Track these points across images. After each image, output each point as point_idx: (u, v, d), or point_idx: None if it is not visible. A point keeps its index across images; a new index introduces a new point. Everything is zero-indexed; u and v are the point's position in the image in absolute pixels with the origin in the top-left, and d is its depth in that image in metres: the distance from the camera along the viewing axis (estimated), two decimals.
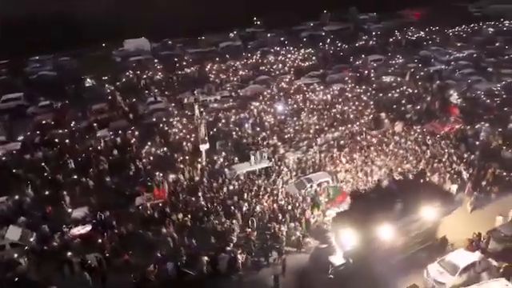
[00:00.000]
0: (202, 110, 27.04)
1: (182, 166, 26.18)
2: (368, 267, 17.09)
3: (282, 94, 36.81)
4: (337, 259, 17.38)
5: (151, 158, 27.45)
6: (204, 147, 26.44)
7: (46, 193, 24.50)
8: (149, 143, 28.68)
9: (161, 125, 31.52)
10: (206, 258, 17.78)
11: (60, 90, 38.46)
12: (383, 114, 31.56)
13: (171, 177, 24.90)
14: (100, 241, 20.27)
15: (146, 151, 28.01)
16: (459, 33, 57.10)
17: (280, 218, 21.45)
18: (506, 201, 22.83)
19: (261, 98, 36.09)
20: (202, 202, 22.64)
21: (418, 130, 29.86)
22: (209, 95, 36.54)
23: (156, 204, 22.82)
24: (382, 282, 17.05)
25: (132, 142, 29.21)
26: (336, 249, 17.88)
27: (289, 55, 47.67)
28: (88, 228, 21.33)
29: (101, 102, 35.98)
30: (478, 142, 28.07)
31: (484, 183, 24.10)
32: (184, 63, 45.34)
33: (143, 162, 26.85)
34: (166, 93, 38.72)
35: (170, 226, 20.98)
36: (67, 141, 29.19)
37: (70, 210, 22.44)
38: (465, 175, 24.67)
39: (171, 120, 31.96)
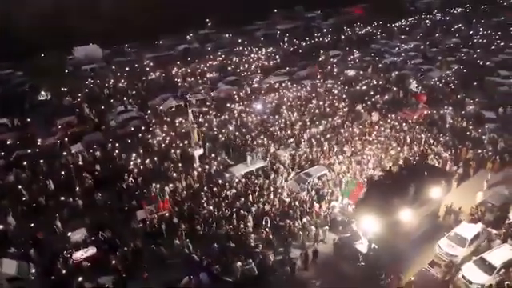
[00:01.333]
0: (196, 114, 26.22)
1: (175, 174, 25.19)
2: (392, 250, 18.02)
3: (257, 93, 36.96)
4: (363, 247, 18.05)
5: (140, 169, 26.01)
6: (198, 152, 25.80)
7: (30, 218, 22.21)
8: (134, 154, 27.13)
9: (140, 134, 30.01)
10: (239, 264, 17.39)
11: (13, 106, 34.90)
12: (360, 106, 33.13)
13: (170, 186, 23.87)
14: (112, 262, 18.87)
15: (133, 163, 26.49)
16: (401, 26, 61.69)
17: (291, 214, 21.72)
18: (484, 174, 25.23)
19: (237, 98, 35.96)
20: (211, 208, 22.06)
21: (394, 118, 31.86)
22: (180, 100, 35.50)
23: (161, 216, 21.78)
24: (405, 262, 18.08)
25: (114, 154, 27.44)
26: (360, 237, 18.54)
27: (252, 55, 47.95)
28: (93, 250, 19.74)
29: (64, 115, 33.25)
30: (447, 125, 30.68)
31: (461, 161, 26.49)
32: (147, 68, 43.45)
33: (133, 174, 25.39)
34: (131, 100, 36.84)
35: (182, 236, 20.20)
36: (42, 160, 26.55)
37: (68, 234, 20.50)
38: (444, 155, 26.89)
39: (151, 128, 30.56)
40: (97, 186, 24.74)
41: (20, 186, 24.06)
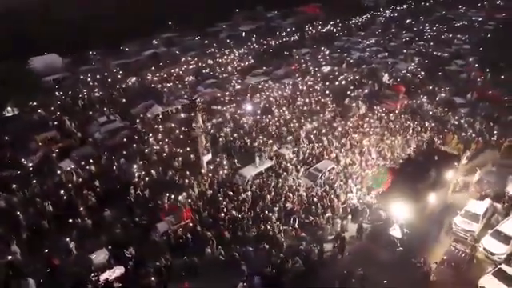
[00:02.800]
0: (206, 118, 25.57)
1: (186, 181, 24.41)
2: (422, 232, 19.13)
3: (242, 94, 36.85)
4: (397, 232, 18.90)
5: (146, 180, 24.82)
6: (207, 158, 25.25)
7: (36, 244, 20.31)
8: (134, 166, 25.82)
9: (135, 144, 28.61)
10: (290, 263, 17.37)
11: None
12: (347, 100, 34.42)
13: (183, 194, 23.09)
14: (144, 279, 17.90)
15: (136, 174, 25.21)
16: (357, 23, 64.80)
17: (313, 210, 22.10)
18: (472, 155, 27.52)
19: (224, 100, 35.59)
20: (234, 212, 21.74)
21: (380, 110, 33.54)
22: (168, 106, 34.45)
23: (184, 226, 21.04)
24: (433, 243, 19.29)
25: (114, 167, 25.92)
26: (393, 223, 19.38)
27: (225, 57, 47.63)
28: (120, 270, 18.55)
29: (41, 130, 30.53)
30: (430, 113, 32.98)
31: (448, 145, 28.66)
32: (119, 76, 41.38)
33: (139, 186, 24.17)
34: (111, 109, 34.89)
35: (214, 243, 19.71)
36: (34, 181, 24.29)
37: (92, 256, 19.02)
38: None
39: (146, 137, 29.29)
40: (101, 203, 23.27)
41: (17, 212, 21.84)
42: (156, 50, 50.60)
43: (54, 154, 27.40)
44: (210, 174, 25.11)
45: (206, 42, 53.93)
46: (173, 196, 22.99)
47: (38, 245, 20.41)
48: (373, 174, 24.08)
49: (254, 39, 54.52)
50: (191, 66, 44.28)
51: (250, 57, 48.12)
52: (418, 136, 29.32)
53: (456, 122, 31.64)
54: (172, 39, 56.22)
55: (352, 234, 20.67)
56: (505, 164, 25.92)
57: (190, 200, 23.14)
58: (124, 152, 27.60)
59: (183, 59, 46.35)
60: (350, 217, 21.56)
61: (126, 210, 22.79)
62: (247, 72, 43.47)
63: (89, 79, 40.94)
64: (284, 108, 34.06)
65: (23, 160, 26.76)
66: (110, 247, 19.78)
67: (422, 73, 42.22)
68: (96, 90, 37.85)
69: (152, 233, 20.98)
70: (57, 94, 37.05)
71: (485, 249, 19.28)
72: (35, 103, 34.95)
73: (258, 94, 36.58)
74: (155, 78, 41.13)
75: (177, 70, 43.15)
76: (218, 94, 36.86)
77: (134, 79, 40.18)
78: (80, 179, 24.92)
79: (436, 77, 41.23)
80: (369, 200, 22.52)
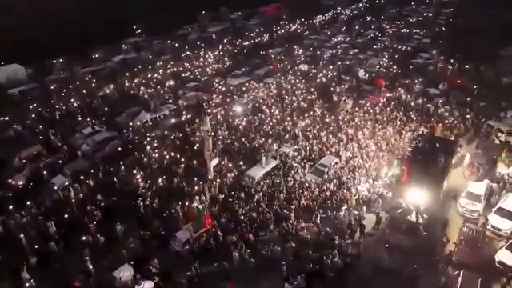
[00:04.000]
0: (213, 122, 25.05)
1: (196, 187, 23.87)
2: (438, 216, 20.26)
3: (229, 95, 36.61)
4: (418, 218, 19.84)
5: (153, 189, 23.93)
6: (214, 162, 24.83)
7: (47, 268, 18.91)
8: (137, 176, 24.76)
9: (131, 154, 27.41)
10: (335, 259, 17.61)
11: None
12: (335, 96, 35.38)
13: (196, 199, 22.52)
14: None
15: (141, 185, 24.21)
16: (321, 22, 66.63)
17: (329, 204, 22.58)
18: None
19: (210, 103, 35.14)
20: (253, 214, 21.62)
21: (364, 104, 34.85)
22: (156, 112, 33.36)
23: (205, 232, 20.59)
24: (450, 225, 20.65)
25: (115, 179, 24.69)
26: (412, 210, 20.29)
27: (201, 59, 46.96)
28: (150, 284, 17.78)
29: (20, 146, 28.33)
30: (412, 104, 34.85)
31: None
32: (93, 84, 39.33)
33: (148, 196, 23.23)
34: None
35: (242, 247, 19.49)
36: (29, 201, 22.45)
37: (119, 275, 17.97)
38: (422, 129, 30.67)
39: (141, 146, 28.17)
40: (108, 217, 22.11)
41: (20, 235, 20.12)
42: (126, 56, 48.64)
43: (43, 171, 25.54)
44: (219, 178, 24.68)
45: (176, 45, 52.71)
46: (187, 203, 22.35)
47: (51, 269, 19.04)
48: (388, 167, 24.94)
49: (225, 41, 54.08)
50: (169, 70, 43.01)
51: (226, 58, 47.73)
52: (406, 126, 30.92)
53: (438, 111, 33.67)
54: (139, 44, 54.36)
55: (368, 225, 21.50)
56: (488, 147, 28.14)
57: (203, 206, 22.62)
58: (121, 163, 26.32)
59: (159, 63, 44.94)
60: (364, 208, 22.35)
61: (138, 222, 21.86)
62: (225, 73, 43.17)
63: (59, 89, 38.39)
64: (274, 107, 34.26)
65: (10, 180, 24.62)
66: (132, 262, 18.89)
67: (394, 67, 44.30)
68: (72, 99, 35.54)
69: (172, 243, 20.36)
70: (30, 106, 34.29)
71: (492, 226, 20.80)
72: (7, 118, 32.23)
73: (245, 95, 36.43)
74: (133, 85, 39.50)
75: (155, 74, 41.71)
76: (205, 97, 36.25)
77: (111, 86, 38.25)
78: (81, 194, 23.44)
79: (407, 70, 43.53)
80: (379, 190, 23.42)
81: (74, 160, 27.16)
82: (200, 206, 21.63)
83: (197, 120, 30.23)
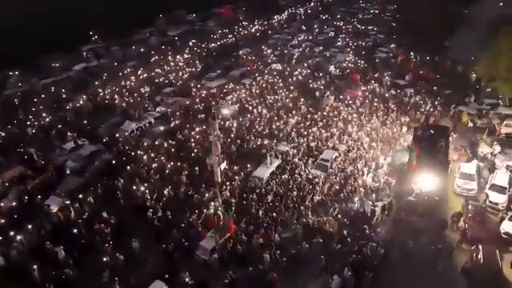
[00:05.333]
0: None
1: (207, 194, 23.30)
2: (445, 198, 21.87)
3: (212, 98, 36.06)
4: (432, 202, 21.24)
5: (163, 201, 22.95)
6: (222, 166, 24.33)
7: None
8: (142, 189, 23.57)
9: (128, 167, 25.98)
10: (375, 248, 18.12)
11: None
12: (317, 93, 36.30)
13: (211, 205, 22.03)
14: None
15: (146, 197, 23.10)
16: (280, 21, 67.81)
17: (342, 197, 23.24)
18: None
19: (197, 108, 34.42)
20: (274, 214, 21.59)
21: (344, 98, 36.21)
22: (140, 120, 31.93)
23: (230, 237, 20.22)
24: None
25: (118, 194, 23.31)
26: (425, 196, 21.61)
27: (171, 63, 45.62)
28: None
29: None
30: (386, 95, 36.86)
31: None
32: (64, 96, 36.61)
33: (158, 208, 22.23)
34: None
35: (272, 248, 19.43)
36: (30, 226, 20.41)
37: None
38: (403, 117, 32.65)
39: (134, 156, 26.84)
40: (120, 234, 20.88)
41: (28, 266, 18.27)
42: (87, 64, 45.86)
43: (33, 193, 23.36)
44: (228, 182, 24.31)
45: (142, 49, 50.73)
46: (205, 210, 21.77)
47: None
48: (392, 156, 26.24)
49: (191, 43, 53.00)
50: (141, 77, 41.26)
51: (197, 62, 46.82)
52: (388, 116, 32.70)
53: (412, 100, 35.98)
54: (97, 50, 51.48)
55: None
56: (466, 130, 30.65)
57: (226, 211, 22.12)
58: (120, 176, 24.88)
59: (128, 70, 42.93)
60: (374, 196, 23.33)
61: (153, 235, 20.88)
62: (199, 77, 42.46)
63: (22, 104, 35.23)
64: (260, 107, 34.37)
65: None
66: (165, 276, 18.03)
67: (361, 61, 46.45)
68: (44, 114, 32.76)
69: (198, 252, 19.71)
70: None
71: (490, 201, 22.77)
72: None
73: (229, 97, 36.12)
74: (105, 94, 37.35)
75: (127, 82, 39.78)
76: (187, 102, 35.37)
77: (83, 97, 35.86)
78: (86, 214, 21.82)
79: (374, 64, 45.87)
80: (384, 178, 24.57)
81: (64, 178, 25.08)
82: (219, 212, 21.31)
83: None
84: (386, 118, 32.42)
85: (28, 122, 31.44)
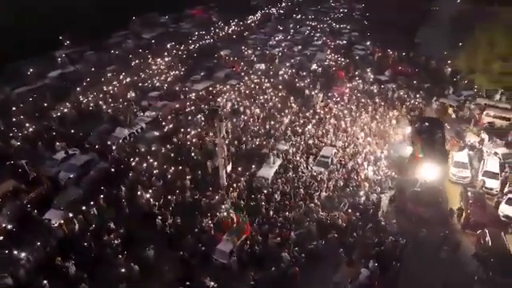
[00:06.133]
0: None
1: (217, 197, 23.03)
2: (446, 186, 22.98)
3: (204, 101, 35.66)
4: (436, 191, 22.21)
5: (172, 207, 22.43)
6: (229, 168, 24.19)
7: None
8: (147, 196, 22.94)
9: (128, 175, 25.15)
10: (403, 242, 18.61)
11: None
12: (307, 91, 36.75)
13: (223, 208, 21.82)
14: None
15: (154, 204, 22.51)
16: (255, 21, 67.98)
17: (349, 191, 23.73)
18: None
19: (186, 111, 33.89)
20: (286, 214, 21.70)
21: (332, 95, 36.95)
22: (132, 126, 31.01)
23: (246, 239, 20.12)
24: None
25: (124, 203, 22.54)
26: (426, 185, 22.50)
27: (153, 66, 44.57)
28: None
29: None
30: (375, 91, 37.98)
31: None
32: (45, 104, 34.79)
33: (167, 215, 21.73)
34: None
35: (290, 246, 19.55)
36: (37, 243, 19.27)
37: None
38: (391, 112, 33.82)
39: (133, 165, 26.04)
40: (130, 244, 20.24)
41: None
42: (63, 70, 43.84)
43: (30, 207, 22.10)
44: (234, 184, 24.14)
45: (117, 52, 49.18)
46: (218, 214, 21.53)
47: None
48: (391, 148, 27.12)
49: (169, 46, 51.93)
50: (124, 81, 40.01)
51: (179, 64, 45.97)
52: (377, 111, 33.75)
53: (395, 95, 37.31)
54: (71, 56, 49.34)
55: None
56: (450, 121, 32.23)
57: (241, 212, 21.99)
58: (121, 185, 24.06)
59: (109, 75, 41.50)
60: (378, 188, 24.04)
61: (165, 243, 20.42)
62: (182, 79, 41.81)
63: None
64: (252, 107, 34.35)
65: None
66: (187, 283, 17.69)
67: (341, 59, 47.51)
68: (27, 124, 30.95)
69: (215, 256, 19.48)
70: None
71: (485, 187, 24.07)
72: None
73: (219, 99, 35.82)
74: (89, 100, 35.88)
75: (110, 87, 38.43)
76: (177, 105, 34.74)
77: (67, 105, 34.29)
78: (93, 225, 20.93)
79: (353, 61, 47.07)
80: (386, 171, 25.37)
81: (62, 190, 23.93)
82: (232, 214, 21.19)
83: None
84: (375, 113, 33.42)
85: (10, 134, 29.55)
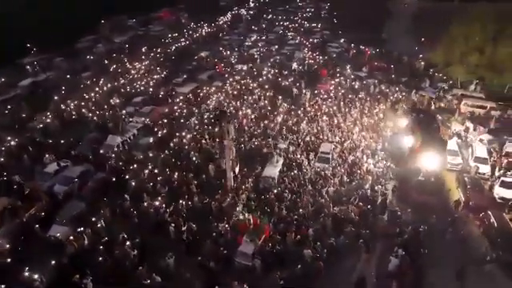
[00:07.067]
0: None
1: (228, 199, 22.81)
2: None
3: (193, 104, 35.12)
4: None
5: (183, 215, 21.91)
6: (237, 169, 24.00)
7: None
8: (156, 203, 22.28)
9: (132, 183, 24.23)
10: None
11: None
12: (295, 90, 37.18)
13: (237, 211, 21.68)
14: None
15: (164, 212, 21.93)
16: (226, 22, 67.76)
17: (356, 184, 24.36)
18: None
19: (177, 114, 33.23)
20: (300, 211, 21.89)
21: (319, 92, 37.70)
22: (124, 133, 29.91)
23: (265, 239, 20.12)
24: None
25: (133, 212, 21.76)
26: (428, 174, 23.58)
27: (132, 71, 43.19)
28: None
29: None
30: (356, 86, 39.19)
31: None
32: (24, 115, 32.72)
33: (180, 222, 21.23)
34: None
35: (311, 243, 19.78)
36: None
37: None
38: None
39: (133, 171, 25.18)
40: (145, 254, 19.62)
41: None
42: (35, 79, 41.44)
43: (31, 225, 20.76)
44: (243, 185, 24.02)
45: (92, 58, 47.17)
46: (234, 217, 21.34)
47: None
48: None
49: (144, 49, 50.54)
50: (105, 87, 38.46)
51: (158, 68, 44.85)
52: (364, 106, 34.86)
53: (376, 90, 38.73)
54: (40, 63, 46.67)
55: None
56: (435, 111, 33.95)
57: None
58: (124, 194, 23.18)
59: (88, 82, 39.74)
60: (383, 180, 24.86)
61: (182, 250, 19.96)
62: (166, 83, 40.95)
63: None
64: (243, 108, 34.29)
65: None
66: None
67: (320, 57, 48.55)
68: (9, 138, 28.91)
69: (237, 259, 19.30)
70: None
71: (478, 172, 25.63)
72: None
73: (208, 101, 35.43)
74: (71, 109, 34.14)
75: (91, 94, 36.78)
76: (166, 110, 33.96)
77: (48, 114, 32.43)
78: (105, 238, 20.02)
79: (331, 59, 48.25)
80: (385, 163, 26.28)
81: (61, 204, 22.65)
82: (247, 215, 21.12)
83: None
84: (363, 108, 34.50)
85: None
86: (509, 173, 24.55)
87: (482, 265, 18.81)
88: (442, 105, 35.14)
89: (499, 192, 23.49)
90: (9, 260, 18.57)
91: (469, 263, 18.60)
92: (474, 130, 29.46)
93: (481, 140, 28.62)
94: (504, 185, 23.67)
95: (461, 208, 22.58)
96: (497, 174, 25.28)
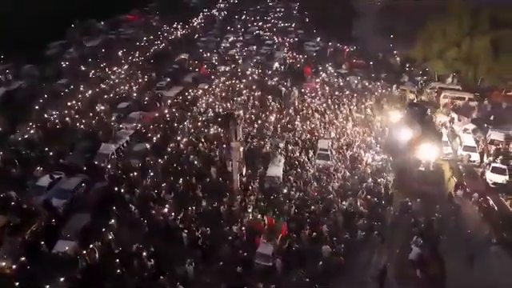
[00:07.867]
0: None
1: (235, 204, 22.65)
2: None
3: (182, 107, 34.47)
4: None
5: (195, 221, 21.54)
6: (244, 171, 23.87)
7: None
8: (165, 210, 21.74)
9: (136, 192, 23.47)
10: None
11: None
12: (286, 90, 37.42)
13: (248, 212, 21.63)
14: None
15: (175, 218, 21.45)
16: (200, 23, 66.93)
17: (358, 178, 24.97)
18: None
19: (169, 119, 32.56)
20: (312, 208, 22.14)
21: (308, 90, 38.25)
22: (117, 141, 28.85)
23: (283, 238, 20.20)
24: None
25: (144, 221, 21.13)
26: (428, 164, 24.57)
27: (112, 76, 41.68)
28: None
29: None
30: (341, 83, 40.13)
31: None
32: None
33: (193, 228, 20.86)
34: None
35: (326, 239, 20.09)
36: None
37: None
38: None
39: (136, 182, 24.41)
40: (162, 263, 19.14)
41: None
42: (7, 88, 38.91)
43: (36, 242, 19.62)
44: (250, 187, 23.95)
45: (65, 64, 45.00)
46: (250, 217, 21.27)
47: None
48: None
49: (120, 53, 48.86)
50: (87, 94, 36.83)
51: (139, 72, 43.46)
52: (351, 102, 35.79)
53: (359, 86, 39.85)
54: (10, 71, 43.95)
55: None
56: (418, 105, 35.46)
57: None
58: (129, 203, 22.43)
59: (65, 89, 37.92)
60: (384, 173, 25.66)
61: (199, 256, 19.62)
62: (149, 87, 39.94)
63: None
64: (234, 109, 34.08)
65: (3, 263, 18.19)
66: None
67: (300, 56, 49.15)
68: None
69: (257, 260, 19.25)
70: None
71: (470, 160, 27.06)
72: None
73: (198, 104, 34.95)
74: (54, 118, 32.43)
75: (73, 102, 35.07)
76: (157, 114, 33.15)
77: (30, 125, 30.65)
78: (118, 249, 19.28)
79: (309, 57, 48.99)
80: (383, 156, 27.16)
81: (62, 218, 21.58)
82: (259, 216, 21.18)
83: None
84: (351, 104, 35.37)
85: None
86: (498, 159, 26.06)
87: (488, 247, 19.89)
88: (423, 98, 36.76)
89: (491, 177, 24.94)
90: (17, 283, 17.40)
91: (477, 246, 19.63)
92: (459, 120, 31.03)
93: (465, 129, 30.20)
94: (495, 170, 25.20)
95: (460, 194, 23.68)
96: (486, 161, 26.77)
